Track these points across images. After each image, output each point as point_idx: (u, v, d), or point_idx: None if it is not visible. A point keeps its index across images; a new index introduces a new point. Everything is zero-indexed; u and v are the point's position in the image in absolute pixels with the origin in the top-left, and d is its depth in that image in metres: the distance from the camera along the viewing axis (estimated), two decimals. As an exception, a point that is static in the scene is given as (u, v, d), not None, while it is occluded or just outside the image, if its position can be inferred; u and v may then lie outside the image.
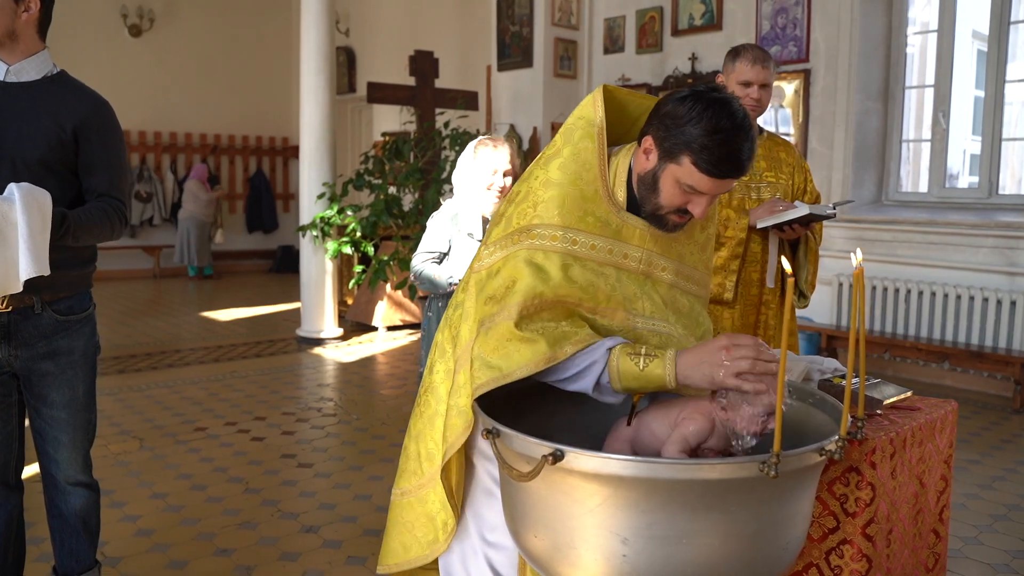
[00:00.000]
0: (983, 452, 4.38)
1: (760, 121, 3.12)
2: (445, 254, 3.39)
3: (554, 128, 7.82)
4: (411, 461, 1.87)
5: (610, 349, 1.52)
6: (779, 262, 2.96)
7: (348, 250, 7.05)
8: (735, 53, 2.89)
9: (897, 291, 5.97)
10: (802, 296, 3.08)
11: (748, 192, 2.96)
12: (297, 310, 7.87)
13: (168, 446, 4.33)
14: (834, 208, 2.82)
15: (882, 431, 1.84)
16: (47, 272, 1.99)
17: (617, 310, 1.62)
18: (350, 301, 8.18)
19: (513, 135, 8.13)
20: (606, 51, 7.91)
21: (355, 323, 7.91)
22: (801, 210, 2.78)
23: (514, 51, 8.06)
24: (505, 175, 3.28)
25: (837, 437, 1.32)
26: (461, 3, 9.72)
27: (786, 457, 1.24)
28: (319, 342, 7.11)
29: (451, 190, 3.56)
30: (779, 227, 2.85)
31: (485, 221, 3.35)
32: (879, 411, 2.00)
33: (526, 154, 7.94)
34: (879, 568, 1.80)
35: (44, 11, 2.22)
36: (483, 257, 1.70)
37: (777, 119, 6.58)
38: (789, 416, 1.61)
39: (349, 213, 7.10)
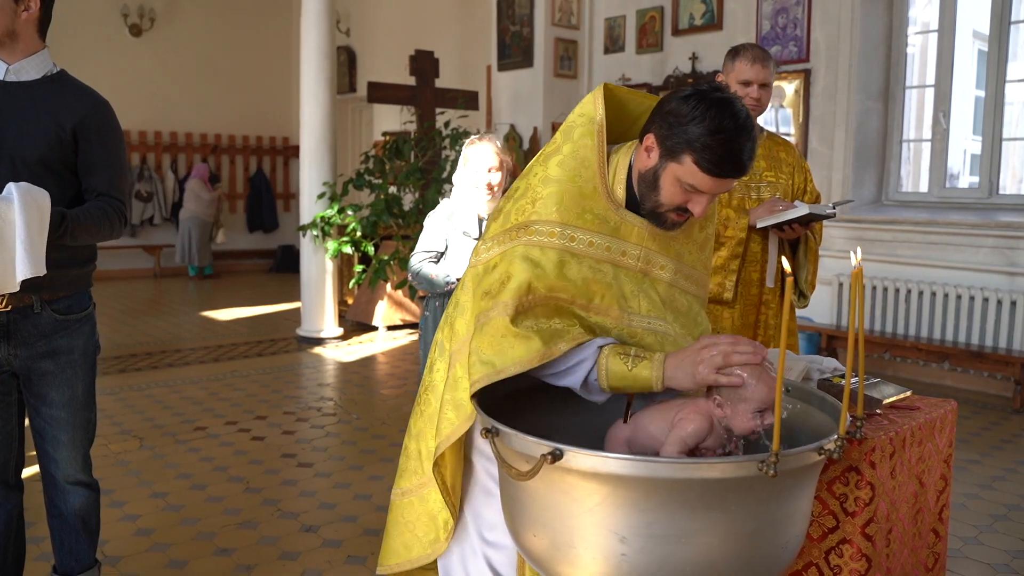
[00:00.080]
0: (983, 452, 4.38)
1: (760, 121, 3.12)
2: (442, 253, 3.40)
3: (554, 128, 7.82)
4: (412, 460, 1.87)
5: (601, 348, 1.53)
6: (779, 262, 2.96)
7: (348, 250, 7.06)
8: (735, 52, 2.89)
9: (897, 291, 5.96)
10: (802, 296, 3.08)
11: (748, 192, 2.96)
12: (297, 310, 7.87)
13: (168, 445, 4.33)
14: (834, 208, 2.82)
15: (881, 431, 1.84)
16: (44, 272, 1.98)
17: (612, 307, 1.62)
18: (350, 301, 8.19)
19: (513, 135, 8.13)
20: (606, 51, 7.91)
21: (355, 323, 7.91)
22: (801, 210, 2.78)
23: (514, 51, 8.06)
24: (490, 171, 3.31)
25: (836, 436, 1.32)
26: (461, 3, 9.72)
27: (785, 456, 1.24)
28: (319, 342, 7.11)
29: (451, 189, 3.58)
30: (779, 227, 2.85)
31: (481, 220, 3.36)
32: (878, 411, 2.00)
33: (526, 154, 7.95)
34: (879, 567, 1.80)
35: (44, 10, 2.22)
36: (480, 252, 1.71)
37: (777, 119, 6.58)
38: (788, 415, 1.61)
39: (349, 213, 7.10)
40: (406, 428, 1.93)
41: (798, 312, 3.90)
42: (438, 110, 7.87)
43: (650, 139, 1.59)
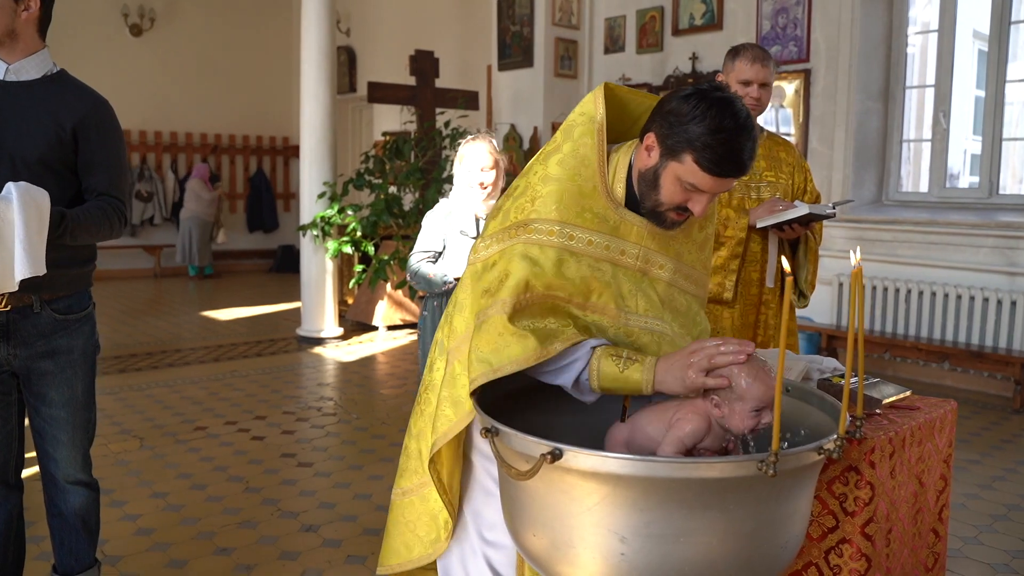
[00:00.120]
0: (983, 452, 4.38)
1: (760, 121, 3.12)
2: (440, 253, 3.41)
3: (554, 128, 7.82)
4: (412, 460, 1.87)
5: (594, 348, 1.54)
6: (779, 262, 2.96)
7: (348, 250, 7.06)
8: (735, 52, 2.89)
9: (897, 291, 5.96)
10: (802, 296, 3.08)
11: (748, 192, 2.96)
12: (297, 310, 7.87)
13: (168, 445, 4.33)
14: (834, 208, 2.82)
15: (881, 430, 1.84)
16: (43, 272, 1.98)
17: (608, 305, 1.62)
18: (350, 300, 8.19)
19: (514, 135, 8.13)
20: (607, 51, 7.90)
21: (355, 322, 7.91)
22: (801, 210, 2.78)
23: (515, 51, 8.06)
24: (483, 170, 3.32)
25: (836, 436, 1.32)
26: (461, 3, 9.72)
27: (784, 456, 1.24)
28: (319, 341, 7.11)
29: (451, 189, 3.59)
30: (779, 227, 2.85)
31: (478, 219, 3.37)
32: (878, 410, 2.00)
33: (526, 154, 7.95)
34: (878, 567, 1.80)
35: (44, 10, 2.22)
36: (479, 250, 1.71)
37: (777, 119, 6.58)
38: (788, 415, 1.61)
39: (349, 213, 7.10)
40: (406, 428, 1.93)
41: (798, 312, 3.90)
42: (438, 110, 7.87)
43: (650, 138, 1.60)
